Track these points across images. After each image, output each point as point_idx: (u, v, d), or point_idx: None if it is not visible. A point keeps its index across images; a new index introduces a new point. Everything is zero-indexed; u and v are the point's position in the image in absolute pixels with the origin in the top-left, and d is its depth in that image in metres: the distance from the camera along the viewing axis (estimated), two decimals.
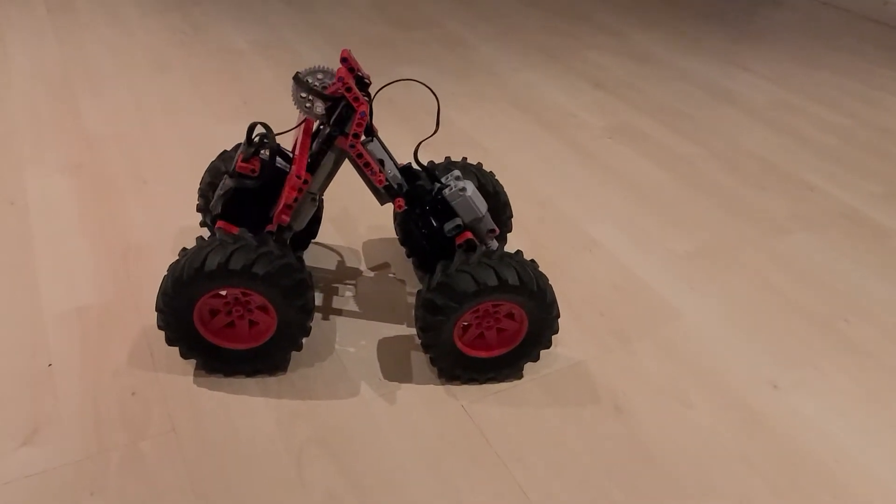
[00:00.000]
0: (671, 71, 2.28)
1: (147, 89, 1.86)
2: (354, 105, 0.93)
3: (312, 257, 1.27)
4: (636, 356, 1.13)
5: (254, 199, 1.01)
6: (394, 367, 1.06)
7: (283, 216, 0.98)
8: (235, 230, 1.00)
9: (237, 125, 1.71)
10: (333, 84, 0.94)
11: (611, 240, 1.41)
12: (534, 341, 1.02)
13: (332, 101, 0.95)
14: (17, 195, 1.38)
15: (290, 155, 1.04)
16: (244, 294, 0.95)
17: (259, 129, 1.01)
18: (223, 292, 0.95)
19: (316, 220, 1.22)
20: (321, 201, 1.16)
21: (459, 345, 1.00)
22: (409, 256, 1.27)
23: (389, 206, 1.32)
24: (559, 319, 1.03)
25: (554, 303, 0.99)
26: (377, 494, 0.88)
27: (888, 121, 2.05)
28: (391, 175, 1.02)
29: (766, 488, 0.93)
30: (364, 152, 0.97)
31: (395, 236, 1.30)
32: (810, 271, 1.37)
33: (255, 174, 0.99)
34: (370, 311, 1.17)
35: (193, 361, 1.02)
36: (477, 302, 0.96)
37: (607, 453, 0.96)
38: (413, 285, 1.23)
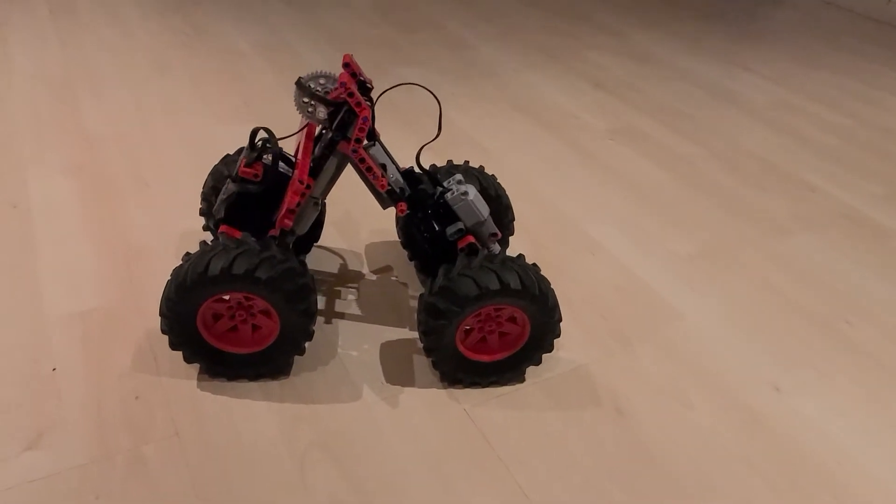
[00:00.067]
0: (671, 71, 2.28)
1: (148, 90, 1.86)
2: (357, 110, 0.93)
3: (315, 260, 1.27)
4: (637, 358, 1.13)
5: (257, 203, 1.01)
6: (396, 370, 1.07)
7: (286, 221, 0.98)
8: (238, 234, 1.01)
9: (238, 126, 1.71)
10: (336, 89, 0.94)
11: (612, 241, 1.41)
12: (536, 345, 1.02)
13: (335, 106, 0.95)
14: (20, 197, 1.39)
15: (293, 159, 1.04)
16: (247, 298, 0.95)
17: (262, 134, 1.01)
18: (226, 297, 0.95)
19: (318, 224, 1.22)
20: (323, 205, 1.16)
21: (461, 348, 1.01)
22: (411, 260, 1.27)
23: (391, 210, 1.32)
24: (561, 323, 1.03)
25: (556, 307, 0.99)
26: (379, 498, 0.89)
27: (889, 121, 2.06)
28: (393, 179, 1.03)
29: (767, 489, 0.94)
30: (366, 157, 0.97)
31: (398, 239, 1.31)
32: (811, 272, 1.37)
33: (258, 179, 0.99)
34: (372, 314, 1.17)
35: (197, 365, 1.03)
36: (479, 306, 0.96)
37: (609, 456, 0.97)
38: (415, 288, 1.24)
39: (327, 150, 0.97)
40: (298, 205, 0.97)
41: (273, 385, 1.02)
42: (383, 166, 1.02)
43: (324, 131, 1.02)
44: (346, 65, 0.99)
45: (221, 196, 1.03)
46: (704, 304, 1.26)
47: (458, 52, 2.29)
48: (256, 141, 1.01)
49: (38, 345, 1.06)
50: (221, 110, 1.79)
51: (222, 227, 1.03)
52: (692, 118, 1.97)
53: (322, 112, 0.95)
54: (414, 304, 1.20)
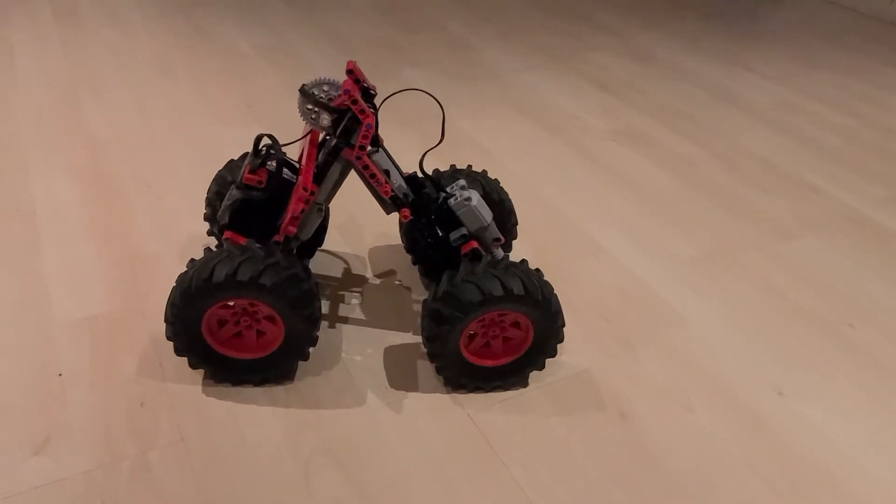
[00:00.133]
0: (673, 71, 2.28)
1: (151, 92, 1.87)
2: (360, 117, 0.94)
3: (319, 265, 1.28)
4: (640, 361, 1.14)
5: (261, 209, 1.01)
6: (400, 375, 1.07)
7: (290, 227, 0.98)
8: (243, 240, 1.01)
9: (241, 129, 1.72)
10: (339, 96, 0.94)
11: (615, 244, 1.41)
12: (539, 350, 1.02)
13: (338, 113, 0.95)
14: (24, 202, 1.39)
15: (297, 166, 1.05)
16: (252, 304, 0.96)
17: (265, 141, 1.01)
18: (231, 303, 0.95)
19: (322, 229, 1.23)
20: (327, 210, 1.17)
21: (465, 354, 1.01)
22: (414, 264, 1.28)
23: (395, 214, 1.32)
24: (564, 328, 1.03)
25: (559, 312, 1.00)
26: (384, 503, 0.89)
27: (892, 121, 2.05)
28: (397, 185, 1.03)
29: (770, 494, 0.94)
30: (370, 164, 0.98)
31: (401, 243, 1.31)
32: (813, 274, 1.37)
33: (262, 185, 1.00)
34: (376, 318, 1.17)
35: (202, 371, 1.03)
36: (482, 312, 0.96)
37: (612, 460, 0.97)
38: (419, 293, 1.24)
39: (331, 156, 0.98)
40: (302, 211, 0.98)
41: (278, 390, 1.03)
42: (387, 172, 1.02)
43: (327, 138, 1.02)
44: (349, 71, 0.99)
45: (226, 202, 1.04)
46: (707, 306, 1.27)
47: (460, 52, 2.29)
48: (260, 147, 1.01)
49: (44, 350, 1.07)
50: (224, 112, 1.80)
51: (226, 233, 1.03)
52: (694, 119, 1.97)
53: (326, 119, 0.96)
54: (417, 308, 1.20)
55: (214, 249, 0.96)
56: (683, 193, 1.61)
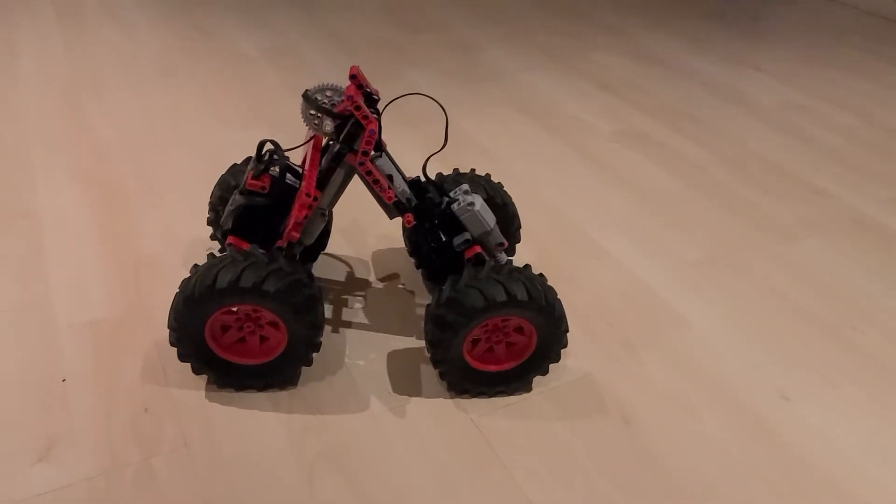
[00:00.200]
0: (677, 71, 2.27)
1: (154, 95, 1.87)
2: (363, 123, 0.93)
3: (322, 268, 1.28)
4: (644, 366, 1.13)
5: (264, 214, 1.01)
6: (403, 380, 1.07)
7: (293, 233, 0.98)
8: (246, 245, 1.01)
9: (245, 131, 1.72)
10: (342, 102, 0.94)
11: (617, 246, 1.41)
12: (543, 355, 1.02)
13: (341, 118, 0.95)
14: (28, 206, 1.39)
15: (300, 171, 1.05)
16: (255, 310, 0.96)
17: (269, 146, 1.01)
18: (234, 309, 0.95)
19: (325, 233, 1.23)
20: (330, 213, 1.16)
21: (468, 359, 1.01)
22: (418, 268, 1.27)
23: (399, 218, 1.32)
24: (567, 333, 1.03)
25: (563, 317, 1.00)
26: None
27: None
28: (400, 190, 1.03)
29: (773, 497, 0.94)
30: (373, 169, 0.98)
31: (405, 246, 1.31)
32: (817, 277, 1.37)
33: (265, 191, 1.00)
34: (379, 323, 1.17)
35: (205, 376, 1.03)
36: (486, 317, 0.96)
37: (615, 464, 0.97)
38: (422, 297, 1.24)
39: (334, 162, 0.98)
40: (306, 217, 0.97)
41: (281, 395, 1.03)
42: (390, 177, 1.02)
43: (330, 143, 1.02)
44: (352, 77, 0.99)
45: (229, 207, 1.03)
46: (710, 309, 1.26)
47: (463, 53, 2.29)
48: (263, 153, 1.01)
49: (48, 355, 1.07)
50: (228, 115, 1.80)
51: (230, 239, 1.03)
52: (698, 120, 1.96)
53: (329, 125, 0.96)
54: (421, 312, 1.20)
55: (217, 255, 0.96)
56: (686, 195, 1.61)
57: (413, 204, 1.04)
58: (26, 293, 1.18)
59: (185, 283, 0.94)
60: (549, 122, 1.88)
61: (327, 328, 1.15)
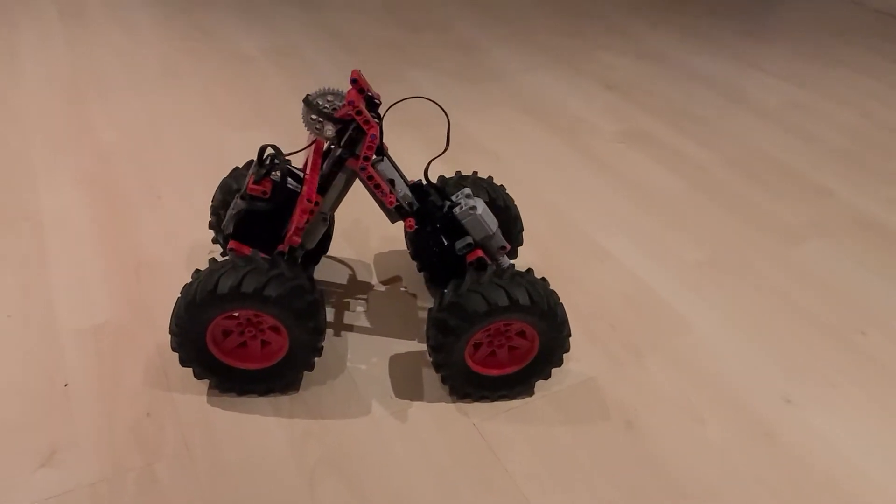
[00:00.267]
0: (683, 71, 2.26)
1: (157, 95, 1.87)
2: (365, 128, 0.93)
3: (324, 271, 1.28)
4: (647, 369, 1.13)
5: (265, 219, 1.01)
6: (405, 384, 1.07)
7: (295, 238, 0.98)
8: (248, 250, 1.01)
9: (247, 132, 1.71)
10: (343, 107, 0.94)
11: (621, 249, 1.40)
12: (545, 360, 1.02)
13: (343, 123, 0.95)
14: (30, 207, 1.40)
15: (301, 175, 1.04)
16: (256, 315, 0.96)
17: (269, 151, 1.01)
18: (236, 314, 0.95)
19: (327, 236, 1.22)
20: (332, 217, 1.16)
21: (471, 363, 1.01)
22: (420, 270, 1.27)
23: None
24: (570, 337, 1.02)
25: (565, 322, 0.99)
26: None
27: None
28: (402, 195, 1.03)
29: (776, 503, 0.94)
30: (375, 174, 0.97)
31: (407, 248, 1.31)
32: (823, 280, 1.36)
33: (267, 196, 0.99)
34: (382, 326, 1.17)
35: (207, 381, 1.03)
36: (488, 322, 0.96)
37: (618, 470, 0.97)
38: (425, 299, 1.23)
39: (336, 167, 0.97)
40: (307, 222, 0.97)
41: (283, 400, 1.03)
42: (391, 182, 1.02)
43: (332, 147, 1.01)
44: (353, 81, 0.99)
45: (230, 211, 1.03)
46: (714, 313, 1.26)
47: (467, 53, 2.28)
48: (264, 157, 1.01)
49: (50, 360, 1.07)
50: (231, 116, 1.80)
51: (231, 243, 1.03)
52: (704, 120, 1.95)
53: (330, 129, 0.95)
54: (423, 315, 1.20)
55: (219, 259, 0.96)
56: (690, 196, 1.60)
57: (415, 208, 1.04)
58: (28, 297, 1.18)
59: (186, 288, 0.94)
60: (552, 123, 1.88)
61: (329, 331, 1.15)
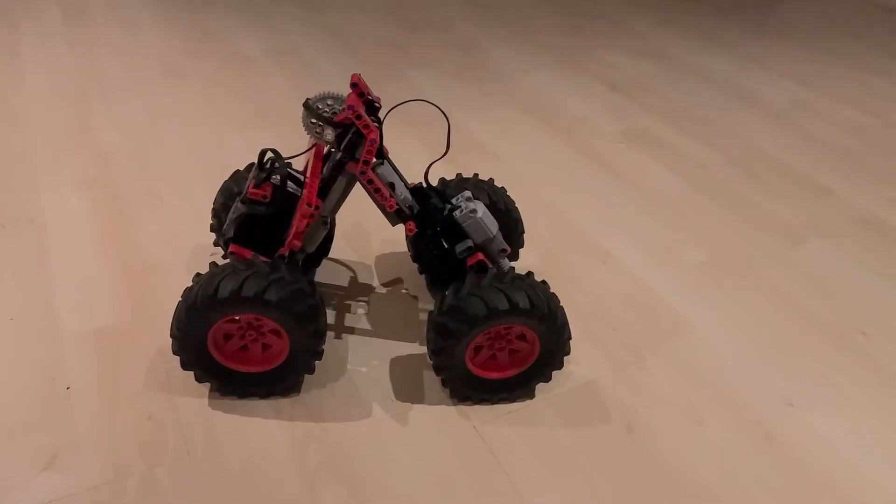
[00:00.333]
0: (686, 70, 2.25)
1: (158, 96, 1.87)
2: (364, 132, 0.93)
3: (325, 273, 1.28)
4: (648, 371, 1.13)
5: (266, 223, 1.01)
6: (405, 387, 1.07)
7: (295, 241, 0.98)
8: (248, 253, 1.01)
9: (249, 133, 1.72)
10: (343, 111, 0.94)
11: (623, 250, 1.40)
12: (546, 363, 1.02)
13: (342, 127, 0.95)
14: (34, 211, 1.40)
15: (302, 179, 1.05)
16: (257, 319, 0.96)
17: (269, 155, 1.01)
18: (237, 317, 0.96)
19: (328, 238, 1.22)
20: (333, 220, 1.16)
21: (471, 366, 1.01)
22: (421, 273, 1.27)
23: None
24: (570, 340, 1.02)
25: (565, 325, 0.99)
26: None
27: None
28: (402, 198, 1.03)
29: None
30: (375, 178, 0.97)
31: (408, 251, 1.31)
32: (826, 281, 1.36)
33: (267, 200, 1.00)
34: (382, 328, 1.17)
35: (208, 384, 1.04)
36: (488, 325, 0.96)
37: (618, 471, 0.97)
38: (426, 301, 1.24)
39: (336, 170, 0.97)
40: (307, 226, 0.97)
41: (283, 403, 1.03)
42: (391, 185, 1.02)
43: (332, 150, 1.02)
44: (353, 85, 0.99)
45: (231, 215, 1.04)
46: (715, 314, 1.26)
47: (467, 53, 2.28)
48: (265, 161, 1.01)
49: (53, 362, 1.07)
50: (233, 117, 1.80)
51: (232, 247, 1.03)
52: (707, 120, 1.95)
53: (330, 133, 0.95)
54: (424, 317, 1.20)
55: (220, 263, 0.96)
56: (693, 197, 1.60)
57: (415, 211, 1.04)
58: (30, 300, 1.19)
59: (186, 292, 0.95)
60: (554, 123, 1.87)
61: (329, 334, 1.15)
